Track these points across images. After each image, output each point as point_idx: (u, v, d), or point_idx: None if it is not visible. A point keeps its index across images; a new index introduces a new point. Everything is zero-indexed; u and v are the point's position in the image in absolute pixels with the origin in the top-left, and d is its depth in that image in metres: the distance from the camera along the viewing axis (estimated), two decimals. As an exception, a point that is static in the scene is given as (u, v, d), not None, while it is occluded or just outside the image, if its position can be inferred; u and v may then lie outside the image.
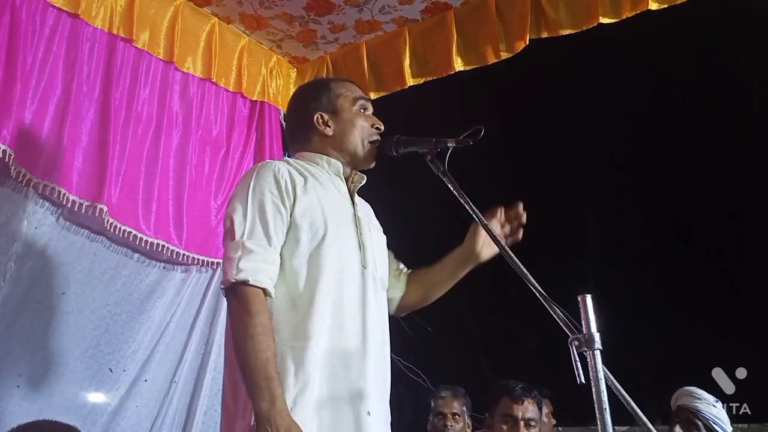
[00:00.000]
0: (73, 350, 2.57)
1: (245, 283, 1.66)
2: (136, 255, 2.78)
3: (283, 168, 1.82)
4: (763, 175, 4.27)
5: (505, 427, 2.69)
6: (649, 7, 2.61)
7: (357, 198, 1.97)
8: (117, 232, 2.62)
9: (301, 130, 2.00)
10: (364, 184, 2.00)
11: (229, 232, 1.75)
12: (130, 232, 2.66)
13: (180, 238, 2.86)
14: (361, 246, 1.85)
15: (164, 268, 2.88)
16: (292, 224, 1.77)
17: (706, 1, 2.66)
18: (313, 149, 1.96)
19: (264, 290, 1.68)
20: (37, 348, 2.48)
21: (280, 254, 1.74)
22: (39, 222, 2.50)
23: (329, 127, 1.95)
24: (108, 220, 2.57)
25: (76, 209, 2.54)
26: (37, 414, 2.38)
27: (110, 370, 2.67)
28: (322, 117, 1.95)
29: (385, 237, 2.03)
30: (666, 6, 2.62)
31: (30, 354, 2.46)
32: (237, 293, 1.67)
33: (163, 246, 2.78)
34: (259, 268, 1.68)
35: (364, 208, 2.01)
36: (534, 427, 2.68)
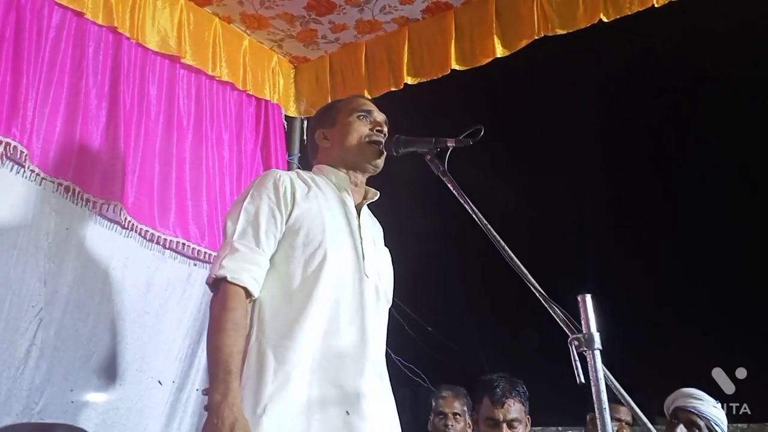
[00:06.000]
0: (119, 362, 2.54)
1: (225, 279, 1.71)
2: (168, 252, 2.76)
3: (285, 176, 1.88)
4: (765, 176, 4.28)
5: (487, 430, 2.67)
6: (654, 4, 2.60)
7: (365, 212, 2.00)
8: (136, 231, 2.61)
9: (311, 149, 2.14)
10: (376, 200, 2.04)
11: (224, 233, 1.82)
12: (147, 231, 2.64)
13: (203, 237, 2.85)
14: (362, 256, 1.87)
15: (195, 265, 2.86)
16: (288, 230, 1.81)
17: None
18: (322, 162, 2.04)
19: (245, 289, 1.72)
20: (86, 359, 2.44)
21: (275, 258, 1.79)
22: (68, 221, 2.45)
23: (327, 140, 2.04)
24: (126, 219, 2.56)
25: (92, 208, 2.51)
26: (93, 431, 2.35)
27: (159, 382, 2.64)
28: (322, 133, 2.06)
29: (390, 260, 2.06)
30: (667, 2, 2.61)
31: (80, 365, 2.42)
32: (217, 288, 1.73)
33: (184, 244, 2.77)
34: (241, 267, 1.73)
35: (371, 224, 2.03)
36: (517, 427, 2.65)
